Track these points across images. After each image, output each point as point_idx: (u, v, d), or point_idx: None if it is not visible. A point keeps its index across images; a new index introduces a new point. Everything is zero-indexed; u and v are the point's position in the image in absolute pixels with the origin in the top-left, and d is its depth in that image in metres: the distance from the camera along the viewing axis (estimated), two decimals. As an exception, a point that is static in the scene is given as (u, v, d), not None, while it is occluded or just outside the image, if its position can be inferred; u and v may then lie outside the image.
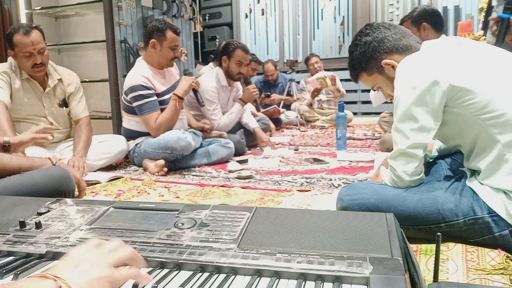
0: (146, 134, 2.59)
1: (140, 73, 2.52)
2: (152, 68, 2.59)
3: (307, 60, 5.08)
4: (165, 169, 2.39)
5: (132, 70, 2.63)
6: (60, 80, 2.48)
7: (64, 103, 2.53)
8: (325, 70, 5.04)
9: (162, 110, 2.54)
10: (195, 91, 2.68)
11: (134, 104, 2.51)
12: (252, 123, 3.25)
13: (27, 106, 2.37)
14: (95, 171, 2.44)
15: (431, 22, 2.49)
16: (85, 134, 2.47)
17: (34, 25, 2.29)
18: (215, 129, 2.96)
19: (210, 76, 3.05)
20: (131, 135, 2.66)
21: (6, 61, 2.40)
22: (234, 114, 3.08)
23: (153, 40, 2.54)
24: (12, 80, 2.31)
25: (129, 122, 2.66)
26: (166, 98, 2.57)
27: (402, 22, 2.63)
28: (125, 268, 0.66)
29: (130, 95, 2.50)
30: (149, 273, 0.75)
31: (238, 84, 3.29)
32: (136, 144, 2.60)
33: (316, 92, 4.72)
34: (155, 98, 2.52)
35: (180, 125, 2.65)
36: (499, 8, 2.68)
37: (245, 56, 3.02)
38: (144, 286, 0.71)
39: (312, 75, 4.97)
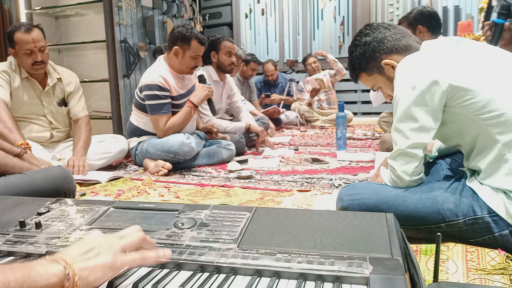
0: (151, 133, 2.59)
1: (159, 72, 2.49)
2: (172, 71, 2.57)
3: (304, 60, 5.09)
4: (165, 171, 2.38)
5: (151, 68, 2.61)
6: (59, 79, 2.49)
7: (64, 103, 2.53)
8: (325, 70, 5.05)
9: (173, 113, 2.53)
10: (209, 100, 2.66)
11: (147, 103, 2.49)
12: (250, 122, 3.24)
13: (26, 105, 2.38)
14: (95, 170, 2.44)
15: (427, 25, 2.48)
16: (85, 133, 2.47)
17: (35, 24, 2.32)
18: (206, 123, 2.96)
19: (199, 74, 3.05)
20: (136, 132, 2.65)
21: (6, 60, 2.40)
22: (233, 127, 3.07)
23: (176, 47, 2.50)
24: (12, 79, 2.32)
25: (137, 119, 2.64)
26: (180, 103, 2.56)
27: (399, 23, 2.62)
28: (131, 253, 0.69)
29: (145, 93, 2.48)
30: (149, 273, 0.75)
31: (231, 80, 3.30)
32: (139, 142, 2.59)
33: (314, 92, 4.73)
34: (169, 100, 2.50)
35: (188, 129, 2.64)
36: (499, 9, 2.68)
37: (232, 46, 3.10)
38: (144, 286, 0.71)
39: (310, 75, 4.98)
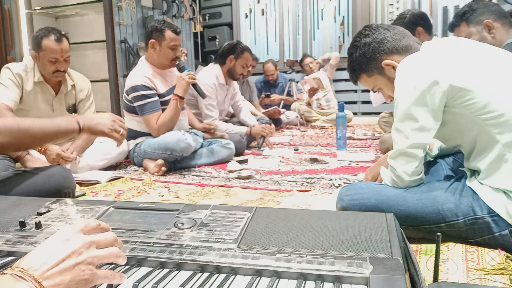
0: (147, 134, 2.59)
1: (142, 73, 2.51)
2: (154, 68, 2.58)
3: (301, 61, 5.10)
4: (164, 168, 2.39)
5: (134, 69, 2.62)
6: (73, 86, 2.50)
7: (74, 109, 2.55)
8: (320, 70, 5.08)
9: (163, 110, 2.53)
10: (193, 85, 2.58)
11: (136, 104, 2.50)
12: (251, 121, 3.25)
13: (36, 109, 2.38)
14: (96, 170, 2.44)
15: (423, 25, 2.48)
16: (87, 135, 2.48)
17: (63, 33, 2.34)
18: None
19: (209, 73, 3.05)
20: (131, 134, 2.66)
21: (6, 62, 2.40)
22: (234, 130, 3.07)
23: (152, 40, 2.52)
24: (25, 82, 2.32)
25: (130, 121, 2.66)
26: (168, 99, 2.56)
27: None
28: (104, 270, 0.64)
29: (132, 95, 2.50)
30: (149, 273, 0.75)
31: (234, 82, 3.30)
32: (136, 144, 2.60)
33: (312, 92, 4.74)
34: (156, 98, 2.51)
35: (181, 126, 2.65)
36: (499, 8, 2.67)
37: (250, 59, 3.12)
38: (144, 286, 0.71)
39: (307, 75, 5.00)
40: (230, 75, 3.09)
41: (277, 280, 0.72)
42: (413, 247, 1.17)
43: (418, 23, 2.48)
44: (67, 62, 2.34)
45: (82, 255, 0.60)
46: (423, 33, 2.48)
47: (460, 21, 2.01)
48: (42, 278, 0.55)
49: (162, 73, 2.62)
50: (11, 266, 0.56)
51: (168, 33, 2.51)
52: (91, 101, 2.60)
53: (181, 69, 2.59)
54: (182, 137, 2.43)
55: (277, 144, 3.36)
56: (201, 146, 2.69)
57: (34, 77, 2.34)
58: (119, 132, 1.51)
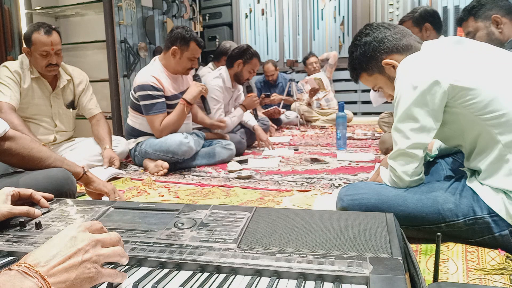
0: (149, 134, 2.59)
1: (152, 73, 2.51)
2: (166, 71, 2.59)
3: (305, 59, 5.09)
4: (165, 170, 2.38)
5: (145, 68, 2.62)
6: (69, 80, 2.50)
7: (72, 105, 2.55)
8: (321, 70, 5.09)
9: (169, 113, 2.54)
10: (203, 98, 2.68)
11: (141, 103, 2.50)
12: (251, 121, 3.25)
13: (34, 106, 2.39)
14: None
15: (432, 22, 2.50)
16: (107, 126, 2.54)
17: (53, 27, 2.34)
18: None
19: (215, 75, 3.05)
20: (133, 133, 2.66)
21: (6, 60, 2.41)
22: (236, 118, 3.08)
23: (175, 47, 2.52)
24: (22, 79, 2.33)
25: (133, 120, 2.66)
26: (174, 103, 2.57)
27: (401, 22, 2.61)
28: (108, 270, 0.65)
29: (138, 93, 2.50)
30: (149, 273, 0.75)
31: (239, 85, 3.30)
32: (138, 143, 2.60)
33: (313, 92, 4.74)
34: (163, 100, 2.51)
35: (185, 128, 2.65)
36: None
37: (258, 65, 3.10)
38: (144, 286, 0.71)
39: (308, 75, 4.99)
40: (236, 78, 3.08)
41: (277, 280, 0.72)
42: (413, 247, 1.17)
43: (427, 19, 2.49)
44: (58, 56, 2.33)
45: (88, 253, 0.61)
46: (430, 29, 2.49)
47: (468, 15, 2.01)
48: (48, 274, 0.56)
49: (173, 77, 2.62)
50: (17, 262, 0.57)
51: (193, 45, 2.52)
52: (91, 92, 2.62)
53: (196, 81, 2.68)
54: (184, 140, 2.43)
55: (277, 144, 3.36)
56: (202, 147, 2.69)
57: (32, 74, 2.35)
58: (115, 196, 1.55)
